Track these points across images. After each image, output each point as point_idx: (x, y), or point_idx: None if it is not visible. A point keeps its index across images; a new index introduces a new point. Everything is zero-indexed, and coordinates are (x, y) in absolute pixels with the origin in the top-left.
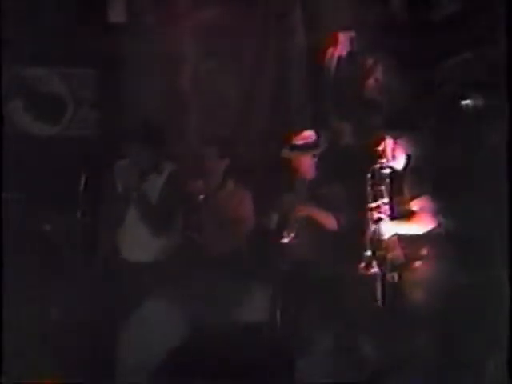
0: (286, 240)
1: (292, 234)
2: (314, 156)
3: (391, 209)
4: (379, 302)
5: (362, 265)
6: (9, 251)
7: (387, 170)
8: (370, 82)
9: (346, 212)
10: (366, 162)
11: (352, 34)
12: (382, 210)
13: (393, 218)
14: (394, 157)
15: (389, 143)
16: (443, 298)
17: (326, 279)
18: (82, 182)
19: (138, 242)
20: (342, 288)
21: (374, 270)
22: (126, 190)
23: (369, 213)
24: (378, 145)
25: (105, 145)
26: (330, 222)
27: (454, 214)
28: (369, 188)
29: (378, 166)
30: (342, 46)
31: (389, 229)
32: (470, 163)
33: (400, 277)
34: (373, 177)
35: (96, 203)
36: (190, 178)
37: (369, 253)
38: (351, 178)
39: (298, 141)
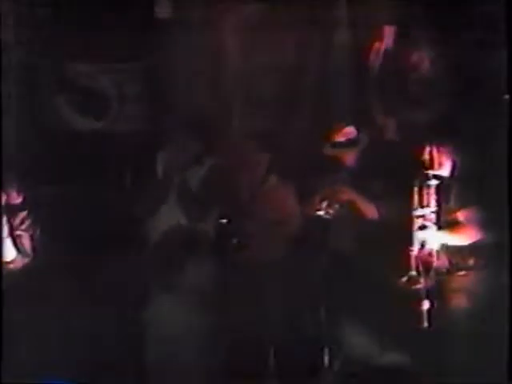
0: (321, 213)
1: (331, 211)
2: (356, 152)
3: (437, 217)
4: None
5: (404, 279)
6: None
7: (433, 181)
8: (415, 77)
9: (387, 204)
10: (409, 159)
11: (397, 27)
12: (428, 218)
13: (439, 226)
14: (440, 164)
15: (434, 151)
16: (486, 307)
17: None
18: (128, 176)
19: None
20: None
21: (420, 285)
22: (168, 177)
23: (414, 220)
24: (423, 150)
25: (149, 139)
26: (371, 210)
27: (500, 224)
28: (416, 196)
29: (425, 174)
30: (388, 39)
31: (434, 237)
32: None
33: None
34: (420, 185)
35: (141, 195)
36: (233, 171)
37: (414, 272)
38: (394, 174)
39: (340, 138)
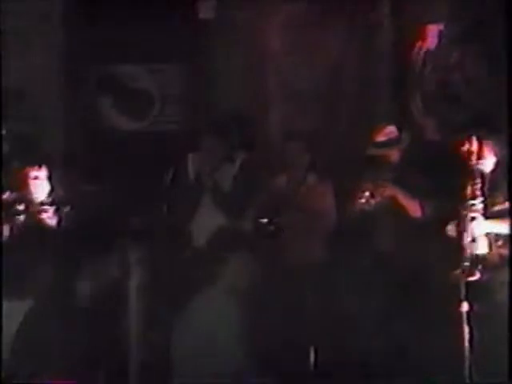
0: (362, 200)
1: (372, 202)
2: (398, 151)
3: (485, 208)
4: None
5: (459, 271)
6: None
7: (478, 172)
8: (457, 76)
9: (431, 202)
10: (450, 158)
11: (440, 26)
12: (476, 208)
13: (486, 217)
14: (480, 157)
15: (475, 143)
16: None
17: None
18: (169, 175)
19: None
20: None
21: (476, 276)
22: (200, 179)
23: (465, 212)
24: (464, 144)
25: (191, 139)
26: (414, 207)
27: None
28: (469, 188)
29: (470, 166)
30: (430, 39)
31: (482, 227)
32: None
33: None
34: (471, 175)
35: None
36: (271, 170)
37: (467, 263)
38: (436, 173)
39: (381, 137)
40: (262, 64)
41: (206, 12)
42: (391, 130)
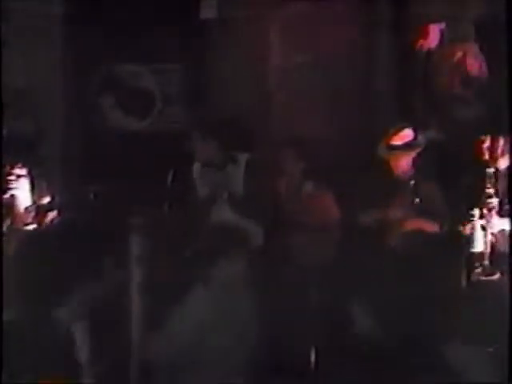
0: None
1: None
2: (411, 156)
3: (500, 205)
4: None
5: (479, 270)
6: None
7: (491, 171)
8: (459, 75)
9: (446, 214)
10: (457, 158)
11: (442, 25)
12: (491, 206)
13: (501, 215)
14: (502, 154)
15: (500, 142)
16: None
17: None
18: (170, 175)
19: None
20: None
21: (495, 276)
22: (207, 187)
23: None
24: (482, 143)
25: (192, 139)
26: (434, 227)
27: None
28: (488, 186)
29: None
30: (432, 38)
31: (497, 224)
32: None
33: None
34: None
35: (183, 196)
36: (271, 175)
37: (487, 262)
38: (444, 175)
39: (397, 141)
40: (263, 64)
41: (207, 12)
42: (407, 134)
